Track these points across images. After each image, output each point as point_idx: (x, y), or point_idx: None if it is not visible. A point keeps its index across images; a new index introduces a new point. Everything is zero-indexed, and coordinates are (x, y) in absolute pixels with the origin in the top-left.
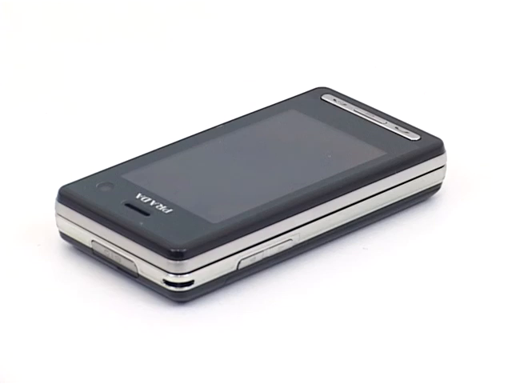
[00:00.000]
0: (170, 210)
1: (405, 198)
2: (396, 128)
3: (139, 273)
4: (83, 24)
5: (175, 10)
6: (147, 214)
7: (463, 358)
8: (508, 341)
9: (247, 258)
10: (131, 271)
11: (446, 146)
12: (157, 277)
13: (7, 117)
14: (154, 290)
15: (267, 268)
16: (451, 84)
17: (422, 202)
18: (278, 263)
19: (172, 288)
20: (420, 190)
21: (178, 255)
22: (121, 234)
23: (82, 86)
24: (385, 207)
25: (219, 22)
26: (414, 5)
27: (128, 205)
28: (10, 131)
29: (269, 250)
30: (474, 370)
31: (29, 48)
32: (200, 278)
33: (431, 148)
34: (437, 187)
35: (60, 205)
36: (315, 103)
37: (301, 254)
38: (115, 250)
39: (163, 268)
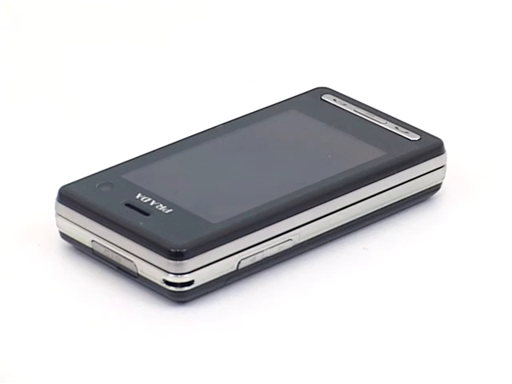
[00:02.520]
0: (170, 210)
1: (405, 198)
2: (396, 128)
3: (139, 273)
4: (83, 24)
5: (175, 9)
6: (147, 214)
7: (463, 357)
8: (508, 341)
9: (247, 258)
10: (131, 271)
11: (446, 146)
12: (157, 277)
13: (7, 117)
14: (154, 290)
15: (267, 268)
16: (451, 84)
17: (421, 201)
18: (277, 263)
19: (172, 288)
20: (420, 190)
21: (178, 255)
22: (121, 233)
23: (82, 86)
24: (385, 207)
25: (219, 21)
26: (413, 5)
27: (128, 205)
28: (10, 131)
29: (269, 250)
30: (474, 370)
31: (29, 48)
32: (200, 278)
33: (431, 148)
34: (437, 187)
35: (60, 205)
36: (315, 103)
37: (301, 254)
38: (115, 250)
39: (163, 268)
